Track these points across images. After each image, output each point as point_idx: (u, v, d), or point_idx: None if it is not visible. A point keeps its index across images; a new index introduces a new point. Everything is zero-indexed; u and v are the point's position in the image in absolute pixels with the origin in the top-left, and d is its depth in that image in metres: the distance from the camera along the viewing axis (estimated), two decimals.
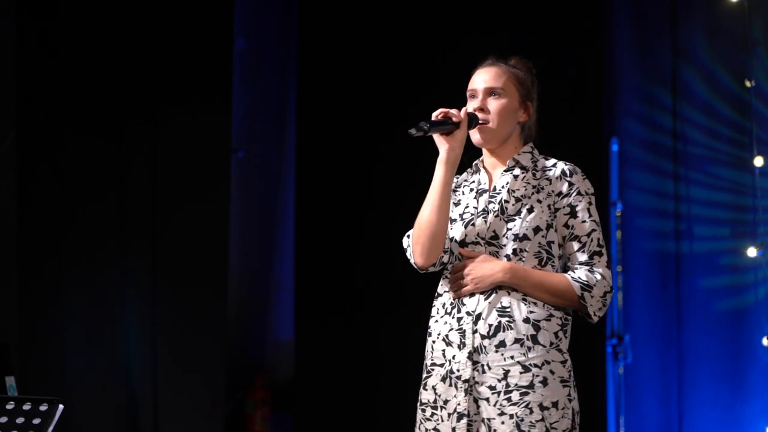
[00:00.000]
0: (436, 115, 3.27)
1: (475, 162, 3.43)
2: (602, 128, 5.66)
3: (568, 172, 3.32)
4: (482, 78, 3.36)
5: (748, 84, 5.41)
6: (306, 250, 6.08)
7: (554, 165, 3.34)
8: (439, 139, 3.28)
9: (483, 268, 3.24)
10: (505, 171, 3.35)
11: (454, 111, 3.28)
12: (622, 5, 5.73)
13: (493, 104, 3.33)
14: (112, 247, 5.50)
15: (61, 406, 3.26)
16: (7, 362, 4.70)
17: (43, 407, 3.27)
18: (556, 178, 3.31)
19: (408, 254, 3.37)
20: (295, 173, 6.20)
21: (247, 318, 6.61)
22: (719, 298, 5.56)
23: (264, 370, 6.51)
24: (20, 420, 3.25)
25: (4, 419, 3.24)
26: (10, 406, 3.27)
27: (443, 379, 3.27)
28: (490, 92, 3.34)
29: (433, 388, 3.28)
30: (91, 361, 5.40)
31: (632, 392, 5.62)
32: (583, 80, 5.60)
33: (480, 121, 3.32)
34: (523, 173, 3.33)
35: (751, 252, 5.39)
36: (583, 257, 3.26)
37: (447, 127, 3.26)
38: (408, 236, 3.38)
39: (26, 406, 3.27)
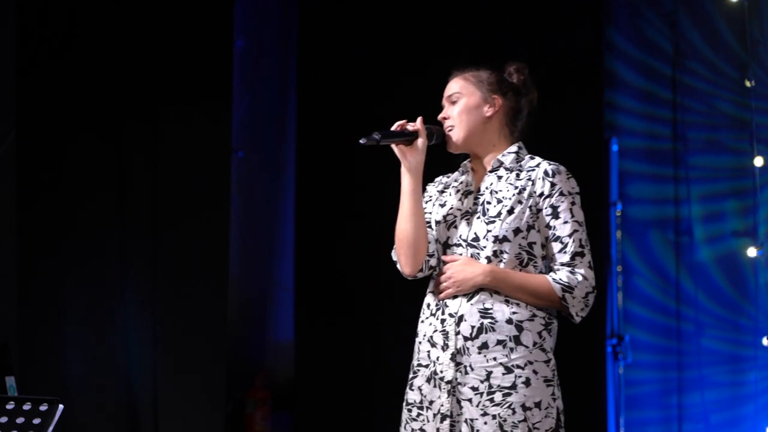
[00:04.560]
0: (395, 126, 3.34)
1: (464, 162, 3.46)
2: (602, 128, 5.66)
3: (551, 172, 3.30)
4: (445, 92, 3.44)
5: (748, 84, 5.41)
6: (306, 250, 6.08)
7: (537, 165, 3.34)
8: (397, 150, 3.34)
9: (464, 271, 3.27)
10: (490, 172, 3.37)
11: (411, 122, 3.34)
12: (623, 5, 5.73)
13: (453, 109, 3.39)
14: (112, 248, 5.50)
15: (61, 406, 3.26)
16: (7, 362, 4.70)
17: (43, 407, 3.27)
18: (539, 178, 3.30)
19: (398, 266, 3.41)
20: (295, 173, 6.20)
21: (247, 318, 6.61)
22: (719, 298, 5.56)
23: (264, 370, 6.51)
24: (20, 420, 3.25)
25: (4, 419, 3.24)
26: (10, 406, 3.27)
27: (428, 380, 3.31)
28: (450, 101, 3.41)
29: (419, 388, 3.33)
30: (91, 361, 5.40)
31: (632, 392, 5.63)
32: (583, 80, 5.60)
33: (446, 129, 3.38)
34: (507, 174, 3.34)
35: (751, 252, 5.40)
36: (564, 258, 3.27)
37: (404, 138, 3.32)
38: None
39: (26, 406, 3.27)
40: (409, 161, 3.31)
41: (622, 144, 5.67)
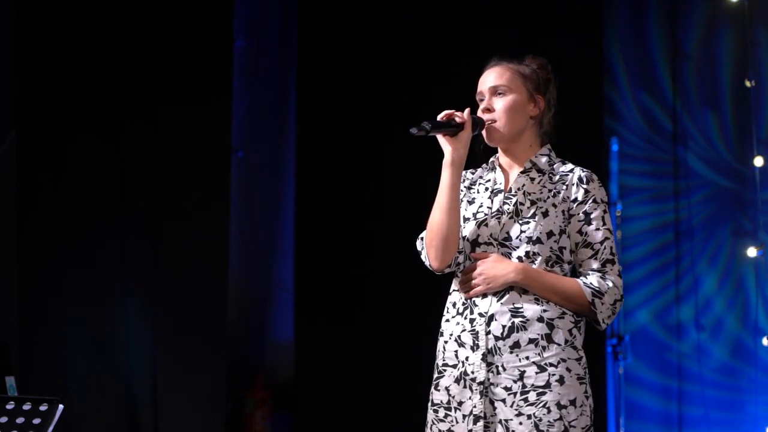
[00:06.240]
0: (441, 116, 3.26)
1: (491, 159, 3.41)
2: (602, 128, 5.66)
3: (585, 179, 3.28)
4: (486, 79, 3.35)
5: (748, 84, 5.41)
6: (306, 250, 6.08)
7: (571, 170, 3.31)
8: (442, 141, 3.27)
9: (495, 268, 3.22)
10: (522, 172, 3.32)
11: (458, 113, 3.26)
12: (622, 5, 5.73)
13: (499, 103, 3.31)
14: (112, 247, 5.49)
15: (61, 406, 3.26)
16: (7, 362, 4.70)
17: (43, 407, 3.27)
18: (573, 184, 3.28)
19: (423, 257, 3.35)
20: (295, 173, 6.20)
21: (247, 318, 6.61)
22: (719, 299, 5.56)
23: (264, 370, 6.51)
24: (20, 420, 3.25)
25: (4, 419, 3.24)
26: (10, 406, 3.27)
27: (457, 381, 3.25)
28: (494, 91, 3.32)
29: (446, 389, 3.27)
30: (91, 361, 5.40)
31: (632, 392, 5.62)
32: (583, 80, 5.60)
33: (487, 122, 3.30)
34: (540, 176, 3.31)
35: (751, 252, 5.40)
36: (595, 264, 3.24)
37: (450, 128, 3.24)
38: (421, 239, 3.36)
39: (26, 406, 3.27)
40: (453, 154, 3.25)
41: (622, 143, 5.68)
